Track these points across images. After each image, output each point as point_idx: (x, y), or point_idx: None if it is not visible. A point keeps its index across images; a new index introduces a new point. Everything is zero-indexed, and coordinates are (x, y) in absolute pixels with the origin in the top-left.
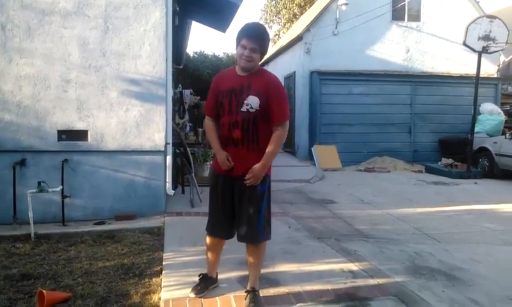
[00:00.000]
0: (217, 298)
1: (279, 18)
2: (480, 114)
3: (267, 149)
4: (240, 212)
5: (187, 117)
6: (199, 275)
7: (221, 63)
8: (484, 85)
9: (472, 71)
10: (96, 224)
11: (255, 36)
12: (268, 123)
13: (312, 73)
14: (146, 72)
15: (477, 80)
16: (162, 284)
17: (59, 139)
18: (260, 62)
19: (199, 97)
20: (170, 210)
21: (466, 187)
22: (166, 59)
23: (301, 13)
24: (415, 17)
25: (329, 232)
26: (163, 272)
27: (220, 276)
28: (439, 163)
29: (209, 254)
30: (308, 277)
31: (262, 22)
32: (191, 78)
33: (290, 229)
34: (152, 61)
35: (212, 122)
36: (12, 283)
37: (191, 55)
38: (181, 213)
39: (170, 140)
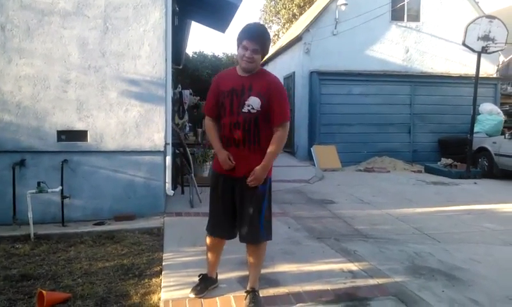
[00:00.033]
0: (217, 298)
1: (278, 18)
2: (479, 114)
3: (268, 150)
4: (241, 212)
5: (186, 117)
6: (199, 276)
7: (221, 63)
8: (483, 85)
9: (472, 71)
10: (95, 224)
11: (257, 37)
12: (269, 124)
13: (311, 73)
14: (146, 72)
15: (476, 80)
16: (162, 284)
17: (59, 139)
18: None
19: (198, 97)
20: (170, 210)
21: (466, 187)
22: (166, 60)
23: (301, 14)
24: (415, 17)
25: (329, 232)
26: (163, 273)
27: (220, 276)
28: (438, 163)
29: (209, 255)
30: (308, 277)
31: (261, 22)
32: (190, 78)
33: (290, 229)
34: (151, 61)
35: (212, 122)
36: (12, 284)
37: (191, 56)
38: (181, 214)
39: (170, 140)
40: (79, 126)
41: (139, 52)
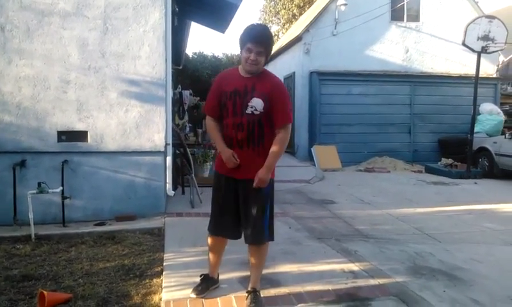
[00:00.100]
0: (218, 298)
1: (278, 18)
2: (479, 114)
3: (271, 152)
4: (246, 213)
5: (186, 118)
6: (200, 276)
7: (221, 64)
8: (483, 85)
9: (471, 71)
10: (96, 225)
11: (261, 39)
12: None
13: (311, 73)
14: (146, 73)
15: (476, 80)
16: (163, 284)
17: (59, 140)
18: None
19: (198, 98)
20: (170, 210)
21: (466, 187)
22: (166, 60)
23: (300, 14)
24: (414, 17)
25: (330, 232)
26: (164, 273)
27: (221, 277)
28: (439, 163)
29: (211, 255)
30: (309, 277)
31: (261, 23)
32: (190, 79)
33: (291, 229)
34: (151, 61)
35: (214, 122)
36: (13, 284)
37: (190, 56)
38: (181, 214)
39: (170, 141)
40: (79, 126)
41: (139, 52)
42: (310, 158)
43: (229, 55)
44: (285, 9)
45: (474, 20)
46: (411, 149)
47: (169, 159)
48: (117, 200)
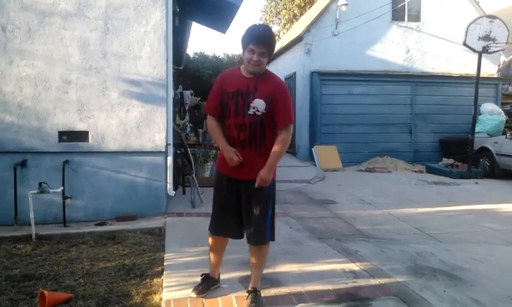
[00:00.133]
0: (218, 298)
1: (279, 18)
2: (480, 114)
3: (272, 152)
4: (248, 213)
5: (187, 118)
6: (201, 276)
7: (222, 64)
8: (484, 85)
9: (472, 71)
10: (97, 224)
11: (264, 40)
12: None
13: (312, 73)
14: (147, 73)
15: (477, 80)
16: (164, 284)
17: (60, 140)
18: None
19: (199, 98)
20: (171, 210)
21: (467, 187)
22: (167, 60)
23: (301, 14)
24: (415, 17)
25: (330, 232)
26: (164, 273)
27: (222, 276)
28: (440, 163)
29: (211, 255)
30: (310, 277)
31: (263, 23)
32: (191, 79)
33: (292, 229)
34: (152, 62)
35: (215, 121)
36: (13, 284)
37: (191, 56)
38: (182, 214)
39: (171, 141)
40: (80, 126)
41: (140, 52)
42: (310, 158)
43: (230, 55)
44: (285, 9)
45: (475, 20)
46: (412, 149)
47: (170, 159)
48: (118, 200)
